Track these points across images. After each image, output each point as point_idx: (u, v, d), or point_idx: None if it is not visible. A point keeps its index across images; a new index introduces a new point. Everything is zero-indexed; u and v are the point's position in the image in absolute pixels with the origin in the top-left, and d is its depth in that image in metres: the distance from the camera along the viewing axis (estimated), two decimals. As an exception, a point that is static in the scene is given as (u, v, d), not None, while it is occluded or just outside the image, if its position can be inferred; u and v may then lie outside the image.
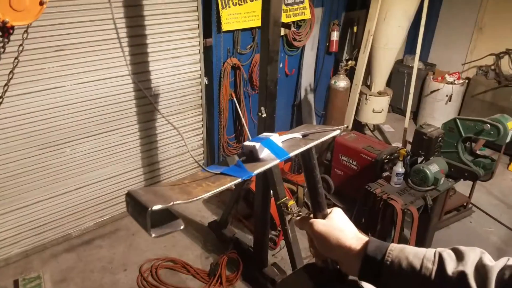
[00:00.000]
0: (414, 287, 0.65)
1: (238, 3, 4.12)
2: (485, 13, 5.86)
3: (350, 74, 5.19)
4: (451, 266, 0.63)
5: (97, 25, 3.33)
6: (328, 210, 0.86)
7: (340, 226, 0.79)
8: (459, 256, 0.64)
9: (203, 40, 4.03)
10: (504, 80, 5.38)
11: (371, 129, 5.91)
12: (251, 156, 0.77)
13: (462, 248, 0.66)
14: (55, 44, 3.20)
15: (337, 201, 4.13)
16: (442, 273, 0.63)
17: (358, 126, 5.57)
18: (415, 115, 6.28)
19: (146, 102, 3.86)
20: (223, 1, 3.98)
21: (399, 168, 3.10)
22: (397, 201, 2.93)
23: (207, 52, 4.13)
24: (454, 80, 5.75)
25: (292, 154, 0.77)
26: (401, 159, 3.12)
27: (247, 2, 4.17)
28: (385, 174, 3.45)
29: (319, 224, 0.80)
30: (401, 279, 0.66)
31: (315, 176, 0.87)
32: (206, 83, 4.24)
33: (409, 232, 3.06)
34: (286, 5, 4.48)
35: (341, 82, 5.03)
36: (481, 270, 0.61)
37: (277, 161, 0.74)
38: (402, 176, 3.14)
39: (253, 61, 4.46)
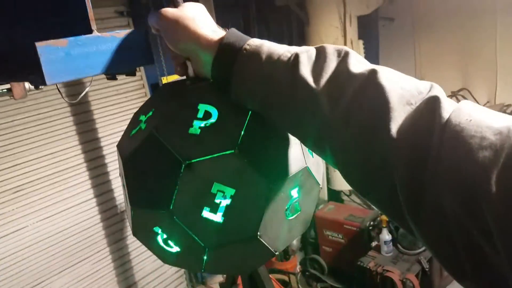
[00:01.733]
0: (267, 71, 0.58)
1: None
2: (422, 64, 6.28)
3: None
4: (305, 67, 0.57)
5: (55, 157, 3.28)
6: None
7: (193, 15, 0.64)
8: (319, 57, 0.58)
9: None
10: None
11: (348, 194, 5.90)
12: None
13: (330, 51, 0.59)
14: (12, 186, 3.09)
15: (334, 281, 3.94)
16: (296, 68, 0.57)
17: (334, 194, 5.55)
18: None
19: (114, 221, 3.71)
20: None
21: (386, 236, 3.04)
22: (393, 272, 2.82)
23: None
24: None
25: None
26: (384, 225, 3.07)
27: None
28: (374, 243, 3.36)
29: (168, 10, 0.64)
30: (257, 65, 0.58)
31: None
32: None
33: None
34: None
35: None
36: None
37: None
38: (391, 243, 3.07)
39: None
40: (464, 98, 5.39)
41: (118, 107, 3.67)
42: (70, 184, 3.38)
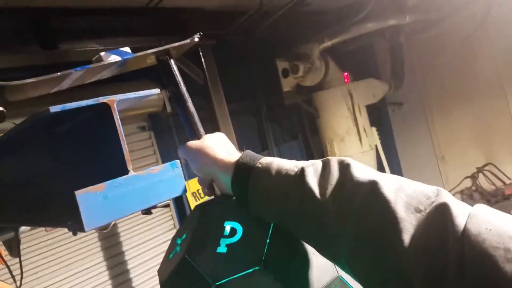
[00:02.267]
0: (277, 186, 0.62)
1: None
2: (439, 144, 6.24)
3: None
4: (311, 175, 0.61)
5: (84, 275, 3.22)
6: None
7: (213, 142, 0.73)
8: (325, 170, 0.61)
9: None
10: (491, 197, 5.33)
11: None
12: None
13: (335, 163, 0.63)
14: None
15: None
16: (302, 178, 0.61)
17: None
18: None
19: None
20: (195, 195, 4.04)
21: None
22: None
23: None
24: (442, 210, 5.70)
25: (140, 54, 0.68)
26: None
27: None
28: None
29: (192, 142, 0.74)
30: (268, 181, 0.63)
31: (182, 94, 0.75)
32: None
33: None
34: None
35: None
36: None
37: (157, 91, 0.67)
38: None
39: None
40: (491, 173, 5.30)
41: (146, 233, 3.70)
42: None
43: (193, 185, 3.96)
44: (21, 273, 1.30)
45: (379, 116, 5.92)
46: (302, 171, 0.62)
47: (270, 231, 0.63)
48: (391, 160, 6.08)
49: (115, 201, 0.51)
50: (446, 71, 5.53)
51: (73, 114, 0.56)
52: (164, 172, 0.57)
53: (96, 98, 0.52)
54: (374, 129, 4.99)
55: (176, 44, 0.68)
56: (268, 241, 0.62)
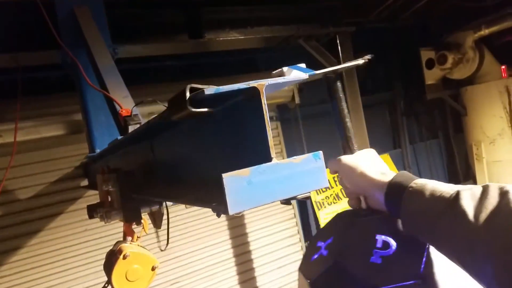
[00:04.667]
0: (430, 206, 0.64)
1: (333, 202, 4.12)
2: None
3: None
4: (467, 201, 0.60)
5: (210, 251, 3.48)
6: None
7: (366, 160, 0.79)
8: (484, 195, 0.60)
9: (305, 243, 3.94)
10: None
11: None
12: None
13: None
14: (170, 278, 3.33)
15: None
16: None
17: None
18: None
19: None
20: (318, 204, 4.02)
21: None
22: None
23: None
24: None
25: (318, 72, 0.68)
26: None
27: (341, 199, 4.16)
28: None
29: (346, 158, 0.80)
30: (421, 201, 0.65)
31: (342, 109, 0.64)
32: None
33: None
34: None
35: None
36: None
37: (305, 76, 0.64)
38: None
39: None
40: None
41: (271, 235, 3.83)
42: (220, 278, 3.50)
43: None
44: (167, 239, 1.44)
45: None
46: (457, 194, 0.62)
47: (427, 247, 0.66)
48: None
49: (259, 187, 0.50)
50: None
51: (222, 98, 0.56)
52: (306, 162, 0.54)
53: (247, 82, 0.52)
54: (535, 132, 4.25)
55: (345, 65, 0.67)
56: (425, 256, 0.65)
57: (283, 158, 0.57)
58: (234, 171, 0.49)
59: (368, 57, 0.81)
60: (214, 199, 0.54)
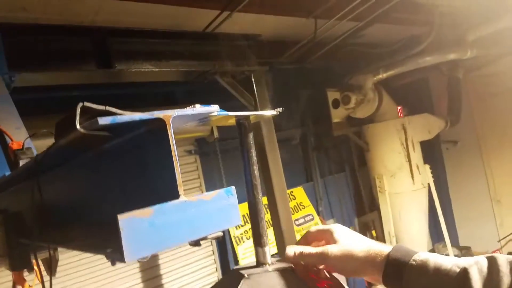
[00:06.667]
0: (436, 286, 0.61)
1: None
2: (495, 186, 5.86)
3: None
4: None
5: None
6: (326, 226, 0.77)
7: (353, 242, 0.73)
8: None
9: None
10: None
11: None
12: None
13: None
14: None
15: None
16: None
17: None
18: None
19: None
20: (236, 239, 3.97)
21: None
22: None
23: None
24: (499, 258, 5.29)
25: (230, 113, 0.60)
26: None
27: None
28: None
29: (333, 249, 0.72)
30: (425, 279, 0.62)
31: (251, 157, 0.65)
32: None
33: None
34: (298, 225, 4.47)
35: None
36: None
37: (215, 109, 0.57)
38: None
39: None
40: None
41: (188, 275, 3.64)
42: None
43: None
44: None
45: (432, 153, 5.66)
46: (465, 271, 0.59)
47: None
48: (443, 199, 5.77)
49: (163, 229, 0.44)
50: (505, 110, 5.24)
51: (123, 129, 0.51)
52: (217, 199, 0.50)
53: (151, 112, 0.47)
54: (427, 166, 4.74)
55: (257, 112, 0.64)
56: None
57: (201, 192, 0.51)
58: (133, 211, 0.42)
59: (279, 109, 0.80)
60: (110, 244, 0.46)
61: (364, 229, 5.33)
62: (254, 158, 0.66)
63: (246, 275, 0.64)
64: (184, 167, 3.66)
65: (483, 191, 5.95)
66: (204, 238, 0.49)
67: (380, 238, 5.14)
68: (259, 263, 0.67)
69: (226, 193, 0.51)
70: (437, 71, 4.97)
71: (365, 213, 5.40)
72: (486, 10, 3.79)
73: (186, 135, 3.31)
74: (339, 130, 4.55)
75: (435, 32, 3.71)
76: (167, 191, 0.47)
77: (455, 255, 5.13)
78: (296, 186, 4.59)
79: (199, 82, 3.10)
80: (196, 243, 0.50)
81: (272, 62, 3.34)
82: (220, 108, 0.56)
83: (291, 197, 4.50)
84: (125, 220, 0.42)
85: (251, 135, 0.65)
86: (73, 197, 0.77)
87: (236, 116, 0.61)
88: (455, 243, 6.13)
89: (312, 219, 4.63)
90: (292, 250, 0.71)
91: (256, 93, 2.92)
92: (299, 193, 4.65)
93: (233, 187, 0.52)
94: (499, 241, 5.79)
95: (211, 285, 0.72)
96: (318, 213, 4.75)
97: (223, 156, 3.81)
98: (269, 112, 0.64)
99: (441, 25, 3.72)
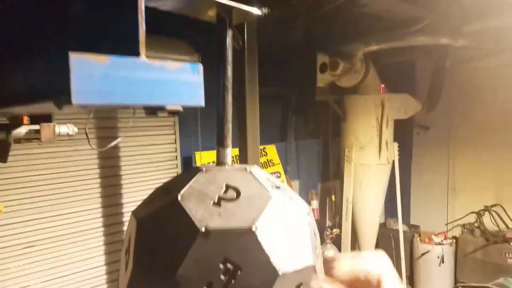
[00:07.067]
0: None
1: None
2: (454, 176, 6.11)
3: (337, 241, 5.03)
4: None
5: (73, 218, 3.18)
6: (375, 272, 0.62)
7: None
8: None
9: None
10: (491, 236, 5.27)
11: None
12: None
13: None
14: (22, 242, 2.96)
15: None
16: None
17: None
18: (410, 280, 5.88)
19: None
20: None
21: None
22: None
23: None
24: (442, 241, 5.61)
25: None
26: None
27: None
28: None
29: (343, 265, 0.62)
30: None
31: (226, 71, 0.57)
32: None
33: None
34: (265, 182, 4.54)
35: (329, 252, 4.79)
36: None
37: None
38: None
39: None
40: (498, 214, 5.24)
41: (147, 175, 3.61)
42: (83, 247, 3.23)
43: (206, 157, 3.88)
44: None
45: (403, 134, 5.78)
46: None
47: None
48: (404, 178, 5.99)
49: (117, 83, 0.41)
50: (482, 105, 5.37)
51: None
52: (181, 71, 0.46)
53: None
54: (396, 144, 4.85)
55: (241, 6, 0.54)
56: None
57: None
58: (88, 54, 0.39)
59: (265, 11, 0.74)
60: (59, 85, 0.42)
61: (325, 194, 5.50)
62: (230, 58, 0.62)
63: (204, 169, 0.63)
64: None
65: (442, 178, 6.21)
66: (162, 109, 0.47)
67: (338, 203, 5.32)
68: (220, 162, 0.66)
69: (192, 69, 0.48)
70: (426, 55, 4.98)
71: (329, 180, 5.55)
72: (486, 6, 3.77)
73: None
74: (322, 95, 4.53)
75: (434, 15, 3.68)
76: (127, 45, 0.44)
77: (404, 231, 5.41)
78: (269, 143, 4.62)
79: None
80: (152, 111, 0.47)
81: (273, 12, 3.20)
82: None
83: (263, 153, 4.53)
84: (77, 60, 0.38)
85: (230, 33, 0.61)
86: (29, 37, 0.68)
87: (216, 3, 0.56)
88: (406, 220, 6.44)
89: (279, 177, 4.70)
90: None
91: (245, 31, 2.75)
92: (271, 151, 4.68)
93: (200, 64, 0.49)
94: (446, 224, 6.12)
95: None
96: (286, 172, 4.83)
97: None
98: (255, 10, 0.60)
99: (442, 11, 3.70)
